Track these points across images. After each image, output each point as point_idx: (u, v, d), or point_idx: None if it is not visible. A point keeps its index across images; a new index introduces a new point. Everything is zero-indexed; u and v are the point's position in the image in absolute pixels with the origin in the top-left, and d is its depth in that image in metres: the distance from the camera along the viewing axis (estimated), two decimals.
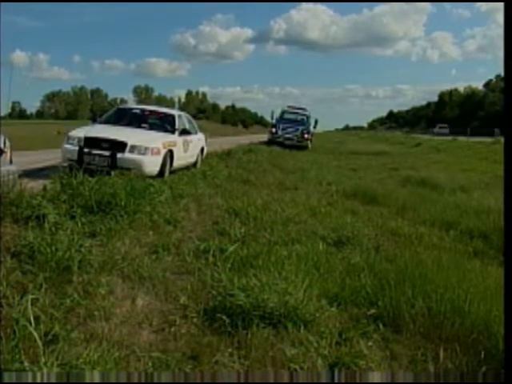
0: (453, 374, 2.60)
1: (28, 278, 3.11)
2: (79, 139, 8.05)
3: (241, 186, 8.31)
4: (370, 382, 2.44)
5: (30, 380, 2.07)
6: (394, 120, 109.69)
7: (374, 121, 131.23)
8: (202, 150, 11.38)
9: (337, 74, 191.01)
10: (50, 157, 9.90)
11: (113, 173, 6.43)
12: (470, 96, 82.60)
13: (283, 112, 24.33)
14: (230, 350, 2.63)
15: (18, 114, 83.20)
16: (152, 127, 9.46)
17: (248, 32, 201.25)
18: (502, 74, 2.98)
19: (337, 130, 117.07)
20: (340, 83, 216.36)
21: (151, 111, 10.35)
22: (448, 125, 61.28)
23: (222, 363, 2.50)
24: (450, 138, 36.57)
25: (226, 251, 4.10)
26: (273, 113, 24.56)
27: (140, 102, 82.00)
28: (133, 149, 7.93)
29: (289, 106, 25.30)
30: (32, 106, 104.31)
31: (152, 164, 8.04)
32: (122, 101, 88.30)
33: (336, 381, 2.41)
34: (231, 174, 9.95)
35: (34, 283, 2.99)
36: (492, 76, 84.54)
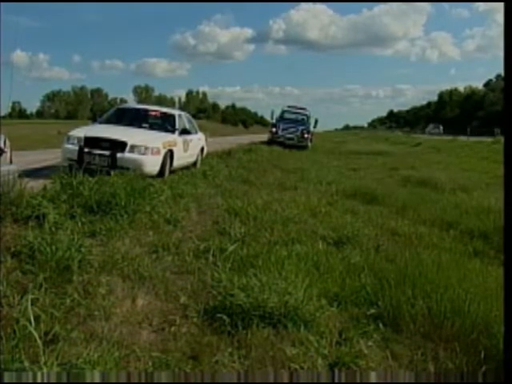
0: (453, 374, 2.60)
1: (28, 277, 3.11)
2: (79, 139, 8.05)
3: (241, 186, 8.31)
4: (371, 381, 2.44)
5: (30, 380, 2.07)
6: (394, 120, 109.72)
7: (374, 120, 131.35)
8: (202, 149, 11.38)
9: (337, 74, 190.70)
10: (51, 157, 9.90)
11: (112, 172, 6.43)
12: (470, 96, 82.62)
13: (283, 112, 24.29)
14: (230, 349, 2.63)
15: (18, 113, 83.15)
16: (152, 127, 9.46)
17: (247, 32, 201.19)
18: (502, 73, 2.98)
19: (337, 129, 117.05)
20: (340, 83, 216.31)
21: (151, 111, 10.35)
22: (442, 124, 61.06)
23: (222, 363, 2.50)
24: (448, 137, 36.71)
25: (226, 251, 4.10)
26: (273, 112, 24.54)
27: (140, 101, 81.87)
28: (133, 148, 7.93)
29: (289, 106, 25.27)
30: (32, 105, 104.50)
31: (152, 164, 8.04)
32: (122, 101, 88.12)
33: (336, 381, 2.41)
34: (231, 173, 9.95)
35: (34, 283, 2.99)
36: (491, 76, 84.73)
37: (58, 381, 2.09)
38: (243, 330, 2.79)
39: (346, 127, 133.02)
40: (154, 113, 10.22)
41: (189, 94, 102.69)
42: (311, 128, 23.54)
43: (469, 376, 2.58)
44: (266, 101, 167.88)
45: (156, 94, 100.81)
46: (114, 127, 9.01)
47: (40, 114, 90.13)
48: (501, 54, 2.77)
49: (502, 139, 22.10)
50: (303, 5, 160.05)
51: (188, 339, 2.71)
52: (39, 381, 2.07)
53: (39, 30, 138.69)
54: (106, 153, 7.81)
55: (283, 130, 22.37)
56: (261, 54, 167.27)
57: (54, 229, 3.99)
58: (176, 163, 8.99)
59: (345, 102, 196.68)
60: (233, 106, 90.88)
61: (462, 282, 3.63)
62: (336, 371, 2.50)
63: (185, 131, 9.73)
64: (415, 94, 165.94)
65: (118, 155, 7.79)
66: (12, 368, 2.11)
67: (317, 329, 2.92)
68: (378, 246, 4.88)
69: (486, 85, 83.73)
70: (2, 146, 5.28)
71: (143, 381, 2.24)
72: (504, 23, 2.75)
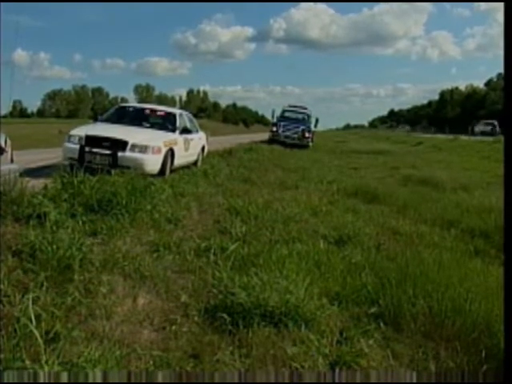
0: (454, 373, 2.60)
1: (29, 276, 3.11)
2: (80, 138, 8.05)
3: (242, 185, 8.31)
4: (371, 381, 2.44)
5: (31, 379, 2.07)
6: (395, 119, 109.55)
7: (374, 120, 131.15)
8: (203, 148, 11.38)
9: (338, 73, 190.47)
10: (52, 156, 9.90)
11: (113, 172, 6.42)
12: (472, 95, 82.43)
13: (284, 111, 24.27)
14: (231, 348, 2.63)
15: (19, 112, 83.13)
16: (153, 126, 9.47)
17: (248, 31, 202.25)
18: (503, 72, 2.98)
19: (338, 129, 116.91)
20: (341, 82, 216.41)
21: (152, 110, 10.35)
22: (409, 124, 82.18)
23: (222, 362, 2.50)
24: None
25: (227, 250, 4.10)
26: (274, 112, 24.55)
27: (141, 100, 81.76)
28: (134, 147, 7.93)
29: (290, 105, 25.25)
30: (33, 104, 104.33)
31: (153, 163, 8.04)
32: (123, 100, 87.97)
33: (337, 380, 2.41)
34: (232, 172, 9.95)
35: (35, 282, 2.99)
36: (492, 75, 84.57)
37: (59, 380, 2.09)
38: (244, 329, 2.79)
39: (347, 126, 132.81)
40: (154, 112, 10.22)
41: (190, 93, 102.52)
42: (312, 127, 23.49)
43: (470, 375, 2.58)
44: (266, 100, 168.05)
45: (157, 93, 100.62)
46: (115, 126, 9.00)
47: (41, 113, 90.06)
48: (502, 52, 2.76)
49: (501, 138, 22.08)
50: (304, 4, 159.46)
51: (189, 338, 2.71)
52: (40, 380, 2.07)
53: (40, 30, 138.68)
54: (107, 152, 7.81)
55: (284, 129, 22.36)
56: (262, 53, 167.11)
57: (54, 228, 3.99)
58: (177, 162, 8.99)
59: (345, 101, 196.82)
60: (234, 106, 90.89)
61: (463, 281, 3.62)
62: (337, 370, 2.50)
63: (186, 130, 9.73)
64: (416, 93, 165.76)
65: (119, 154, 7.79)
66: (13, 367, 2.11)
67: (318, 328, 2.92)
68: (378, 245, 4.88)
69: (487, 84, 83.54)
70: (3, 145, 5.29)
71: (144, 380, 2.24)
72: (504, 23, 2.75)
